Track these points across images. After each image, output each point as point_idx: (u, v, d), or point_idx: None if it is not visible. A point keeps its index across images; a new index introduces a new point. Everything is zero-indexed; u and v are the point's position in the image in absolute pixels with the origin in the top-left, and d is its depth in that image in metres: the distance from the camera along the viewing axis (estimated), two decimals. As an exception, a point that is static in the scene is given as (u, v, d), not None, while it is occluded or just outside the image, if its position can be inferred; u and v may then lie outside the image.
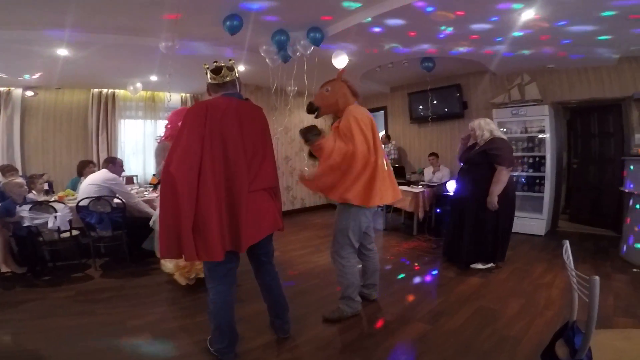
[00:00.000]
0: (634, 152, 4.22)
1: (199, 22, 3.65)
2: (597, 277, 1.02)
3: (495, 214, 3.39)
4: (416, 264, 3.89)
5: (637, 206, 3.69)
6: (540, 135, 5.19)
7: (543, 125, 5.14)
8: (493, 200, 3.32)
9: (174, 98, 6.83)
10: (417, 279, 3.43)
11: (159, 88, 6.34)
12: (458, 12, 3.42)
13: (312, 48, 4.00)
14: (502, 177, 3.31)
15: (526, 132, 5.39)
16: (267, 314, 2.28)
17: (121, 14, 3.40)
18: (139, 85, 5.67)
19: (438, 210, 5.21)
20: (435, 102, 6.56)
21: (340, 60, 4.39)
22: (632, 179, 3.77)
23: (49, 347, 2.17)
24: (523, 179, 5.37)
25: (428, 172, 6.08)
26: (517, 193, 5.24)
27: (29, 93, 5.55)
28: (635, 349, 1.26)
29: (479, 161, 3.48)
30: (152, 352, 2.14)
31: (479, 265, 3.60)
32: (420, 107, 6.84)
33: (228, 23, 3.46)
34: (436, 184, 5.49)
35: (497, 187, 3.31)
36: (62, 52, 4.01)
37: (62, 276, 3.51)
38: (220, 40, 4.10)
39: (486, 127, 3.54)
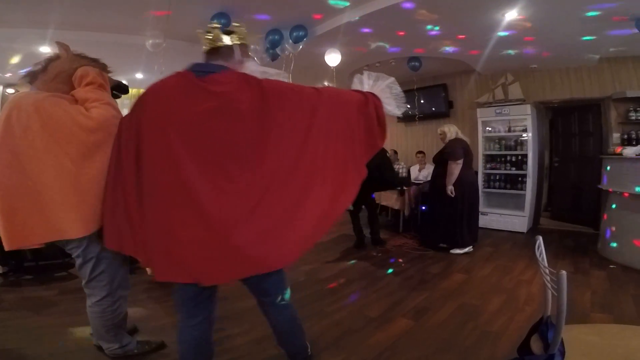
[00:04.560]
0: (610, 150, 4.35)
1: (187, 21, 3.63)
2: (564, 272, 1.06)
3: (450, 202, 4.07)
4: (402, 261, 3.95)
5: (614, 205, 3.81)
6: (524, 135, 5.31)
7: (525, 124, 5.25)
8: (448, 189, 4.03)
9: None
10: (402, 276, 3.48)
11: (145, 85, 6.26)
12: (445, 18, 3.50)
13: (301, 47, 4.02)
14: (452, 170, 4.02)
15: (509, 131, 5.51)
16: (253, 310, 2.25)
17: (107, 12, 3.37)
18: (124, 82, 5.60)
19: (423, 208, 5.27)
20: (422, 101, 6.65)
21: (333, 58, 4.41)
22: (609, 177, 3.89)
23: (32, 346, 2.13)
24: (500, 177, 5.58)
25: (414, 170, 6.15)
26: (499, 191, 5.47)
27: (10, 90, 5.42)
28: (606, 344, 1.32)
29: (439, 159, 4.26)
30: (137, 350, 2.13)
31: (457, 251, 4.13)
32: (408, 106, 6.91)
33: (215, 21, 3.45)
34: (422, 182, 5.57)
35: (450, 178, 4.03)
36: (45, 49, 3.94)
37: (45, 275, 3.45)
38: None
39: (453, 129, 4.27)
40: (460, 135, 4.26)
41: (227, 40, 1.41)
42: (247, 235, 1.32)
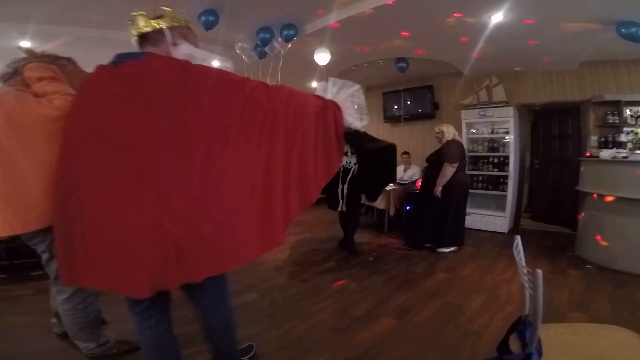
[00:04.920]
0: (587, 153, 4.46)
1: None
2: (539, 271, 1.08)
3: (444, 203, 4.08)
4: (386, 260, 3.98)
5: (590, 207, 3.91)
6: (506, 137, 5.40)
7: (508, 126, 5.35)
8: (436, 190, 4.05)
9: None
10: (386, 275, 3.51)
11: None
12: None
13: (289, 45, 4.01)
14: (446, 172, 4.00)
15: (493, 133, 5.62)
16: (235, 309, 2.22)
17: (91, 7, 3.30)
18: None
19: (408, 208, 5.33)
20: (408, 102, 6.72)
21: (322, 58, 4.40)
22: (586, 179, 4.00)
23: (6, 346, 2.08)
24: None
25: (399, 171, 6.19)
26: (482, 191, 5.53)
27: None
28: (582, 343, 1.35)
29: (435, 160, 4.19)
30: (115, 352, 2.08)
31: (444, 249, 4.19)
32: (395, 107, 6.97)
33: (203, 18, 3.40)
34: (407, 182, 5.62)
35: (441, 180, 4.02)
36: (25, 44, 3.84)
37: (20, 274, 3.34)
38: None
39: (451, 130, 4.24)
40: (457, 137, 4.30)
41: (154, 25, 1.32)
42: (167, 242, 1.15)
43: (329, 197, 4.06)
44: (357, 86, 1.67)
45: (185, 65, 1.21)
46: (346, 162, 3.95)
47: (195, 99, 1.18)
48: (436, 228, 4.21)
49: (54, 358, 2.02)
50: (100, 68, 1.26)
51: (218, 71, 1.29)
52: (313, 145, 1.50)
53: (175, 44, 1.33)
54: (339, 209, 4.01)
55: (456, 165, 4.02)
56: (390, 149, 4.11)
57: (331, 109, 1.56)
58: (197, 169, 1.17)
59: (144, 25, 1.31)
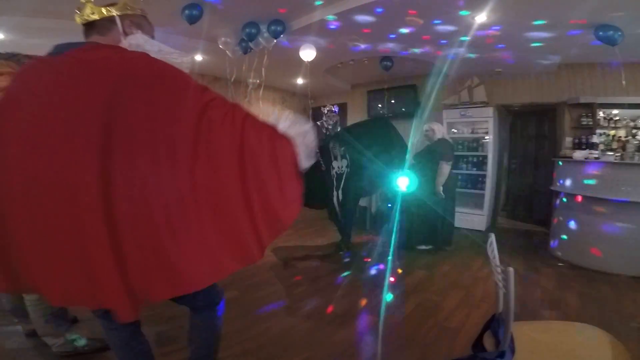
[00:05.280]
0: (562, 154, 4.60)
1: (157, 10, 3.51)
2: (511, 269, 1.09)
3: (438, 202, 4.04)
4: (368, 257, 4.02)
5: (562, 206, 4.06)
6: (486, 137, 5.52)
7: (487, 127, 5.46)
8: (438, 190, 4.00)
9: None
10: (367, 272, 3.55)
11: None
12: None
13: (275, 41, 3.96)
14: (444, 171, 3.99)
15: (473, 132, 5.73)
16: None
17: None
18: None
19: (390, 205, 5.38)
20: (392, 101, 6.77)
21: (308, 54, 4.38)
22: (560, 179, 4.13)
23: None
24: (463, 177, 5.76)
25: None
26: (461, 190, 5.58)
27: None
28: (552, 340, 1.40)
29: (428, 158, 4.14)
30: (88, 350, 2.03)
31: (423, 247, 4.23)
32: (379, 105, 7.01)
33: (187, 12, 3.34)
34: (389, 180, 5.67)
35: (441, 179, 4.00)
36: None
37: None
38: (177, 29, 3.92)
39: (442, 129, 4.30)
40: (446, 136, 4.33)
41: (103, 12, 1.18)
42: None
43: (328, 208, 4.14)
44: (310, 125, 1.47)
45: (137, 59, 1.07)
46: (338, 167, 3.98)
47: (144, 98, 1.03)
48: (431, 228, 4.17)
49: (28, 357, 1.97)
50: (36, 59, 1.15)
51: (178, 72, 1.13)
52: (273, 172, 1.30)
53: (126, 34, 1.19)
54: (340, 217, 4.07)
55: (451, 163, 4.05)
56: (382, 120, 4.02)
57: (285, 140, 1.36)
58: (130, 178, 1.00)
59: (91, 12, 1.17)
